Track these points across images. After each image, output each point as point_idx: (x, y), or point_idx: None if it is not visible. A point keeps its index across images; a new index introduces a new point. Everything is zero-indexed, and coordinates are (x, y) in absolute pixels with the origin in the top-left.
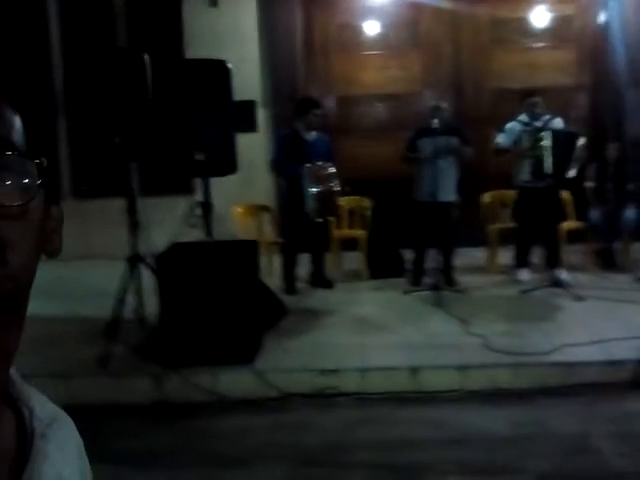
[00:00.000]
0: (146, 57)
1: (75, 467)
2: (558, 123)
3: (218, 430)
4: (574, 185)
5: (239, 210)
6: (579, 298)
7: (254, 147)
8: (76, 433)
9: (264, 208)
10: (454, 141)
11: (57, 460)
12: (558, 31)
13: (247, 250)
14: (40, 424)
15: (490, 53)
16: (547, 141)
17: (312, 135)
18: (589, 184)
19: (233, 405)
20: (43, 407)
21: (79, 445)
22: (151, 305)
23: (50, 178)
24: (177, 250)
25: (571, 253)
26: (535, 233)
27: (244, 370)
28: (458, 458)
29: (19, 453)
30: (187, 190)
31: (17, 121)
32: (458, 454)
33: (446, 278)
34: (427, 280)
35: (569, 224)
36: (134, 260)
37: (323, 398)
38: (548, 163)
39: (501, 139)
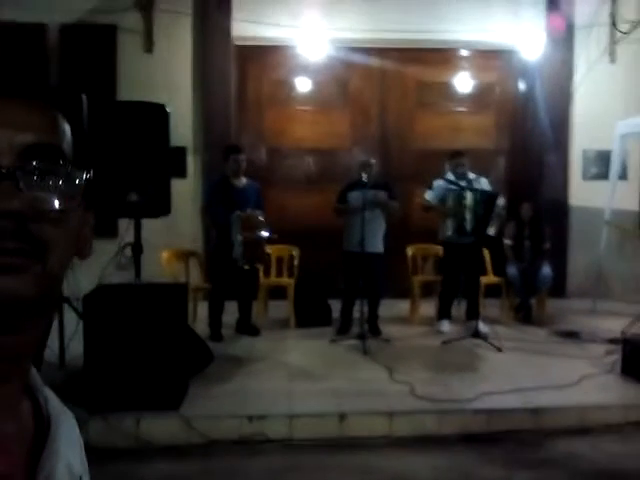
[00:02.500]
0: (84, 97)
1: (77, 457)
2: (484, 183)
3: (142, 476)
4: (492, 242)
5: (166, 254)
6: (498, 349)
7: (182, 193)
8: (77, 428)
9: (191, 253)
10: (382, 195)
11: (66, 446)
12: (480, 97)
13: (175, 294)
14: (53, 411)
15: (415, 115)
16: (468, 200)
17: (242, 182)
18: (507, 241)
19: (158, 451)
20: (53, 398)
21: (80, 440)
22: (75, 348)
23: (92, 187)
24: (104, 292)
25: (489, 306)
26: (457, 286)
27: (170, 416)
28: None
29: (36, 435)
30: (112, 233)
31: (68, 131)
32: None
33: (371, 327)
34: (353, 329)
35: (487, 279)
36: (59, 301)
37: (250, 445)
38: (469, 221)
39: (429, 196)
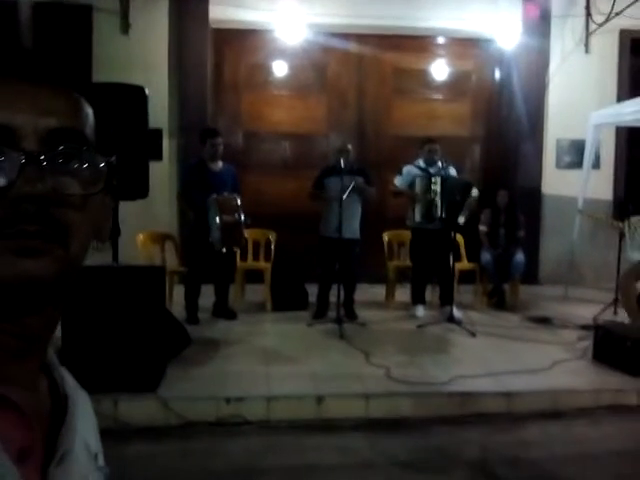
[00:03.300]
0: None
1: (93, 435)
2: (452, 171)
3: (121, 456)
4: (466, 228)
5: (142, 237)
6: (472, 334)
7: (158, 175)
8: (91, 408)
9: (167, 236)
10: (359, 180)
11: (83, 424)
12: (456, 85)
13: (153, 277)
14: (70, 390)
15: (392, 101)
16: (437, 187)
17: (218, 165)
18: (482, 228)
19: (136, 432)
20: (69, 377)
21: (94, 419)
22: None
23: (114, 173)
24: (81, 274)
25: (463, 292)
26: (429, 272)
27: (147, 397)
28: None
29: (53, 412)
30: None
31: (91, 115)
32: (363, 478)
33: (347, 312)
34: (329, 313)
35: (461, 265)
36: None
37: (228, 426)
38: (437, 207)
39: (398, 181)
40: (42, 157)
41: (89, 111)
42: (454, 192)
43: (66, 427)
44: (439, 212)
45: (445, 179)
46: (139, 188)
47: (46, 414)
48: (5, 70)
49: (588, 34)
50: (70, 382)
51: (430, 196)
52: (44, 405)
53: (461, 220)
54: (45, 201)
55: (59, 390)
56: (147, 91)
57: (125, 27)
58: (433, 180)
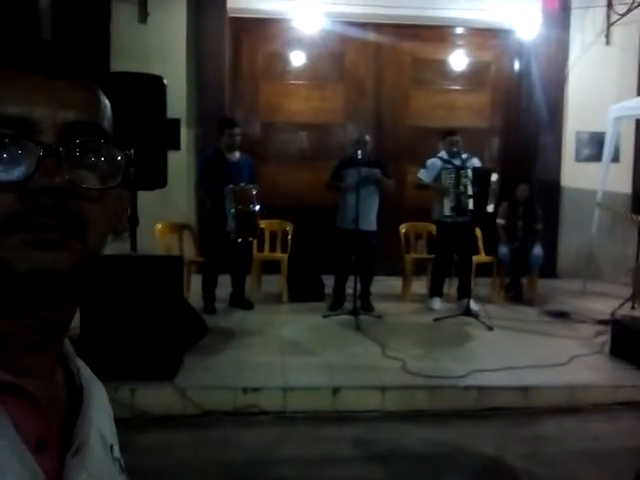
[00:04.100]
0: None
1: (108, 426)
2: (476, 163)
3: (139, 445)
4: (484, 221)
5: (160, 227)
6: (488, 327)
7: (175, 165)
8: (107, 399)
9: (185, 226)
10: (377, 172)
11: (98, 415)
12: (475, 75)
13: (171, 266)
14: (85, 381)
15: (410, 92)
16: (468, 179)
17: (235, 156)
18: (500, 221)
19: (153, 421)
20: (85, 368)
21: (110, 410)
22: None
23: (131, 166)
24: (99, 263)
25: (480, 285)
26: (449, 265)
27: (165, 386)
28: (378, 474)
29: (69, 403)
30: None
31: (109, 108)
32: (378, 470)
33: (363, 304)
34: (345, 305)
35: (479, 258)
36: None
37: (244, 416)
38: (469, 199)
39: (423, 175)
40: (60, 150)
41: (107, 103)
42: (480, 182)
43: (82, 418)
44: (470, 204)
45: (474, 170)
46: (157, 178)
47: (62, 405)
48: (24, 63)
49: (609, 25)
50: (86, 373)
51: (460, 189)
52: (60, 396)
53: (490, 208)
54: (63, 194)
55: (75, 381)
56: (165, 81)
57: (143, 16)
58: (463, 173)
